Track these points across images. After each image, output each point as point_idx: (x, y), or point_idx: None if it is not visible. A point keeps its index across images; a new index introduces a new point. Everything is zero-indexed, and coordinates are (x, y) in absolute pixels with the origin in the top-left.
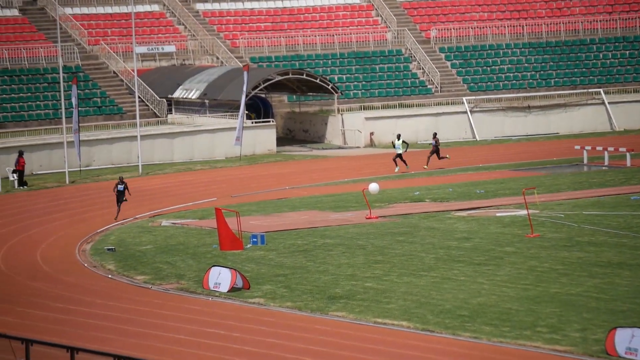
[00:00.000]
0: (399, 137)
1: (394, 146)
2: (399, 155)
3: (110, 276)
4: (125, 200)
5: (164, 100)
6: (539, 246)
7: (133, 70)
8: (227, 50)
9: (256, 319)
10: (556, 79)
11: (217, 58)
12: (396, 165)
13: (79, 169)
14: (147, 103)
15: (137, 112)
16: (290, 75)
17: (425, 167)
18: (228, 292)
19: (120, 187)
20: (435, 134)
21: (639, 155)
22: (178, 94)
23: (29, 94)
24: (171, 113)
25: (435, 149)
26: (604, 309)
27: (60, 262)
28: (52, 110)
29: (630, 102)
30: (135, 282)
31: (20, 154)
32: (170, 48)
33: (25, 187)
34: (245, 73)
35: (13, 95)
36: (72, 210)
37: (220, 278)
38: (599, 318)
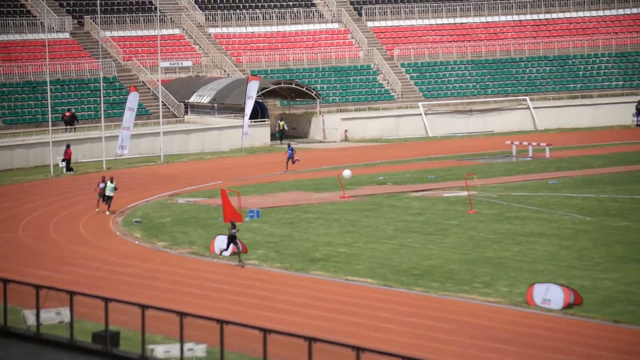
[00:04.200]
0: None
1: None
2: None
3: (137, 242)
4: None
5: (182, 104)
6: (476, 220)
7: (158, 81)
8: (233, 64)
9: (252, 276)
10: (492, 89)
11: (225, 71)
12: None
13: (114, 157)
14: (168, 106)
15: (161, 113)
16: (282, 85)
17: (286, 171)
18: (230, 255)
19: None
20: (289, 144)
21: (556, 148)
22: (193, 99)
23: (76, 99)
24: (187, 114)
25: (290, 156)
26: (526, 269)
27: (97, 231)
28: (93, 112)
29: (550, 107)
30: (157, 247)
31: (68, 146)
32: (187, 63)
33: (71, 172)
34: (252, 82)
35: (63, 100)
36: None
37: (224, 244)
38: (522, 276)
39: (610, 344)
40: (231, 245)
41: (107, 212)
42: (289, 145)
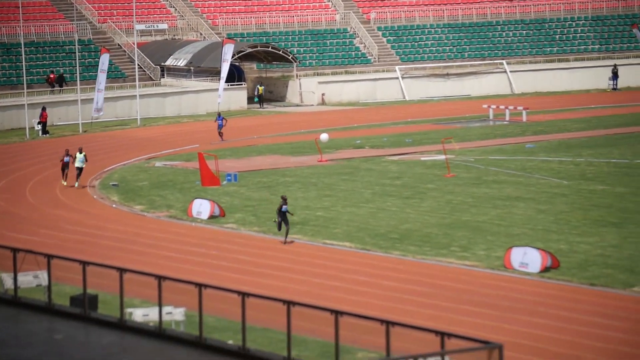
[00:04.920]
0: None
1: None
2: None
3: (114, 206)
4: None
5: (158, 67)
6: (454, 184)
7: (133, 43)
8: (209, 27)
9: (230, 240)
10: (469, 52)
11: (201, 34)
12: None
13: (90, 120)
14: (145, 69)
15: (137, 76)
16: (259, 48)
17: (221, 141)
18: (208, 219)
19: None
20: (219, 114)
21: (533, 112)
22: (169, 62)
23: (51, 61)
24: (164, 77)
25: (220, 126)
26: (504, 233)
27: (75, 194)
28: (68, 74)
29: (526, 70)
30: (134, 210)
31: (44, 108)
32: (163, 26)
33: (47, 135)
34: (227, 45)
35: (38, 62)
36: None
37: (202, 208)
38: (499, 240)
39: (586, 307)
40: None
41: (76, 185)
42: (219, 115)
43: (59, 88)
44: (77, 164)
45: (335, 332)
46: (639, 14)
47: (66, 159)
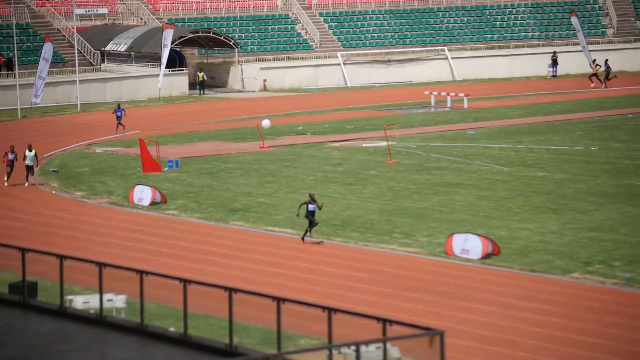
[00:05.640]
0: None
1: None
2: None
3: (54, 192)
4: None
5: (98, 52)
6: (396, 170)
7: (73, 28)
8: (150, 12)
9: (171, 226)
10: (410, 39)
11: (141, 19)
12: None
13: (29, 106)
14: (85, 54)
15: (77, 61)
16: (200, 34)
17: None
18: (149, 205)
19: (12, 156)
20: (119, 104)
21: (474, 99)
22: (109, 47)
23: None
24: (104, 62)
25: (119, 117)
26: (445, 219)
27: (14, 181)
28: (5, 59)
29: (467, 57)
30: (75, 197)
31: None
32: (103, 10)
33: None
34: (167, 30)
35: None
36: (23, 139)
37: (143, 194)
38: (441, 226)
39: (526, 293)
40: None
41: (26, 184)
42: (118, 106)
43: (6, 72)
44: (28, 162)
45: (277, 319)
46: (578, 1)
47: (10, 156)
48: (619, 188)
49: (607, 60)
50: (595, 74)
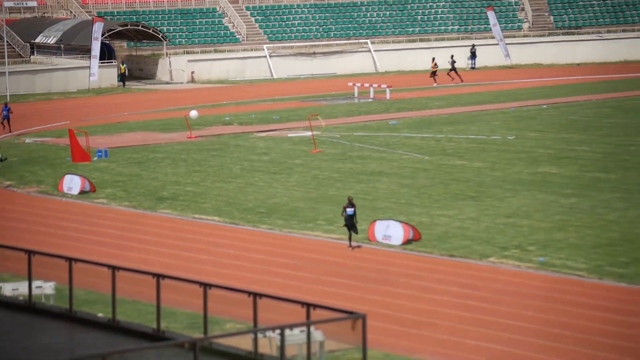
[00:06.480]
0: None
1: None
2: None
3: None
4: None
5: (28, 44)
6: (320, 159)
7: (2, 20)
8: (79, 5)
9: (101, 215)
10: (335, 32)
11: (71, 12)
12: None
13: None
14: (14, 46)
15: (6, 53)
16: (129, 27)
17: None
18: (78, 194)
19: None
20: (6, 103)
21: (396, 90)
22: (39, 39)
23: None
24: (33, 55)
25: (5, 117)
26: (368, 206)
27: None
28: None
29: (390, 50)
30: (3, 185)
31: None
32: (32, 3)
33: None
34: (97, 23)
35: None
36: None
37: (72, 183)
38: (364, 213)
39: (446, 277)
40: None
41: None
42: (5, 105)
43: None
44: None
45: (204, 304)
46: None
47: None
48: (534, 176)
49: (452, 55)
50: (434, 72)
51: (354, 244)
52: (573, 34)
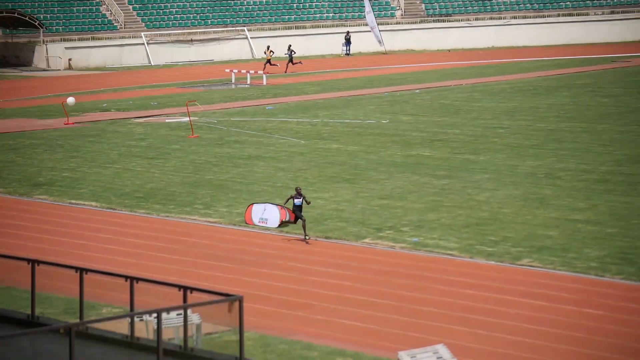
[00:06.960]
0: None
1: None
2: None
3: None
4: None
5: None
6: (197, 144)
7: None
8: None
9: None
10: (212, 19)
11: None
12: None
13: None
14: None
15: None
16: (4, 14)
17: None
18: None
19: None
20: None
21: (273, 76)
22: None
23: None
24: None
25: None
26: (245, 190)
27: None
28: None
29: (266, 37)
30: None
31: None
32: None
33: None
34: None
35: None
36: None
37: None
38: (241, 197)
39: (322, 259)
40: None
41: None
42: None
43: None
44: None
45: (80, 288)
46: None
47: None
48: (408, 158)
49: (290, 45)
50: (269, 60)
51: (305, 235)
52: (444, 22)
